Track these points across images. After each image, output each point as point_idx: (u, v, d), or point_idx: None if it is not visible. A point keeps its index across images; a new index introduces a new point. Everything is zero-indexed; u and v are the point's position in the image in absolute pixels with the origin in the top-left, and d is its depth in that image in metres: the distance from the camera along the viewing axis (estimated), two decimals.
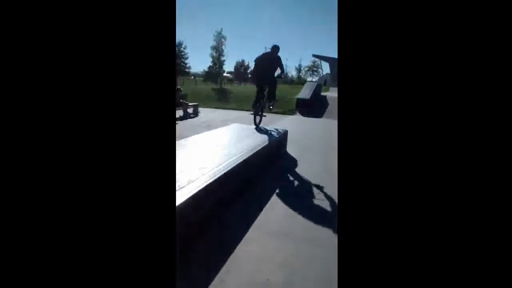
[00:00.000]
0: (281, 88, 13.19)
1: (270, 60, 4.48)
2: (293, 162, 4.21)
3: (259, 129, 4.66)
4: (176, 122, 7.13)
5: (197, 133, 4.22)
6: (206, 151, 2.97)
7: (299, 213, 2.46)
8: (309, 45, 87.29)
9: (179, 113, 8.31)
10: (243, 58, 53.60)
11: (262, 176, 3.41)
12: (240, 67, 40.44)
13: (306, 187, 3.22)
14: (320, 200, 2.84)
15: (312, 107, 11.37)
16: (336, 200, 2.78)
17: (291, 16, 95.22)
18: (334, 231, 2.13)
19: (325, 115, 10.69)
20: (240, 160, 2.69)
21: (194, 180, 2.01)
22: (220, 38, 22.60)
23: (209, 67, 27.35)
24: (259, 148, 3.32)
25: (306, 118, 9.84)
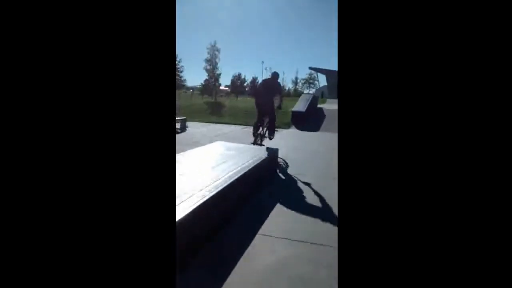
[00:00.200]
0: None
1: (270, 85, 4.79)
2: (282, 191, 3.58)
3: (245, 148, 4.07)
4: None
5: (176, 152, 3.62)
6: None
7: None
8: (306, 57, 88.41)
9: None
10: (240, 72, 54.00)
11: (235, 216, 2.76)
12: (237, 80, 40.37)
13: (292, 248, 2.04)
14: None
15: (308, 120, 10.84)
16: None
17: (288, 28, 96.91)
18: None
19: (321, 128, 10.14)
20: (210, 195, 2.08)
21: None
22: (214, 51, 22.38)
23: (205, 81, 27.08)
24: (238, 175, 2.72)
25: (301, 132, 9.28)
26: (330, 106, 14.93)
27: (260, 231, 2.31)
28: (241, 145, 4.34)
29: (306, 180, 3.89)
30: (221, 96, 29.90)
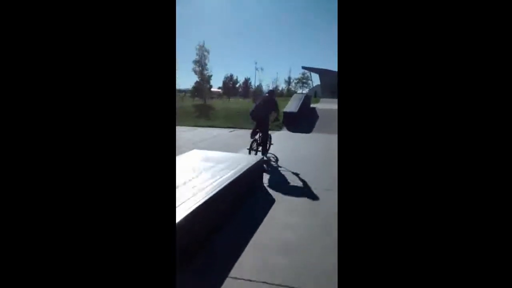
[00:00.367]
0: None
1: (266, 101, 5.18)
2: (266, 207, 3.04)
3: (225, 158, 3.53)
4: None
5: None
6: None
7: None
8: (298, 57, 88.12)
9: None
10: (232, 73, 53.31)
11: (197, 257, 2.22)
12: (229, 81, 39.76)
13: None
14: None
15: (301, 121, 10.33)
16: None
17: (280, 28, 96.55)
18: None
19: (314, 129, 9.64)
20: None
21: None
22: (203, 52, 21.72)
23: (196, 83, 26.44)
24: (212, 194, 2.19)
25: (293, 134, 8.76)
26: (324, 105, 14.46)
27: (231, 274, 1.78)
28: (221, 154, 3.80)
29: (295, 192, 3.38)
30: (214, 98, 29.33)
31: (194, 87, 27.76)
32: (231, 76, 40.12)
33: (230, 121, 10.86)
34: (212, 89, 33.96)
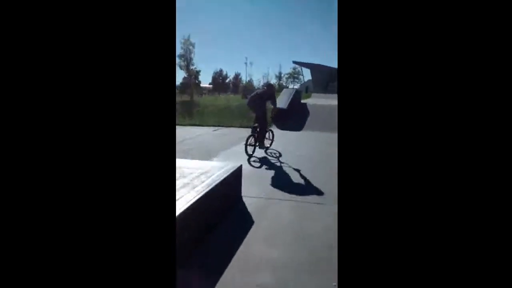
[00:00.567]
0: None
1: (264, 94, 5.02)
2: (240, 236, 2.40)
3: (198, 165, 2.87)
4: None
5: None
6: None
7: None
8: (289, 52, 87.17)
9: None
10: (221, 68, 52.20)
11: None
12: (219, 77, 38.76)
13: None
14: None
15: (290, 118, 9.69)
16: None
17: (270, 21, 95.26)
18: None
19: (305, 127, 9.04)
20: None
21: None
22: (187, 46, 20.71)
23: (184, 78, 25.46)
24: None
25: (282, 131, 8.10)
26: (315, 100, 13.87)
27: None
28: (192, 163, 3.14)
29: (279, 210, 2.74)
30: (204, 93, 28.47)
31: (181, 83, 26.76)
32: (221, 71, 39.13)
33: (215, 119, 10.16)
34: (203, 85, 33.00)
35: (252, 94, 5.11)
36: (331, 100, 11.93)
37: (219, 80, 37.88)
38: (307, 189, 3.42)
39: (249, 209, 2.79)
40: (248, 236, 2.25)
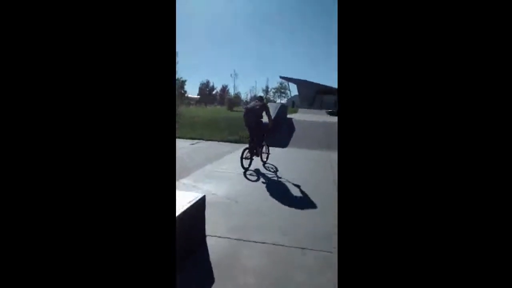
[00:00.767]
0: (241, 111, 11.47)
1: (255, 108, 4.87)
2: None
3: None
4: None
5: None
6: None
7: None
8: (276, 67, 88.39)
9: None
10: (208, 79, 51.87)
11: None
12: (205, 88, 38.24)
13: None
14: None
15: (275, 133, 9.20)
16: None
17: (258, 36, 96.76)
18: None
19: (291, 143, 8.56)
20: None
21: None
22: None
23: None
24: None
25: None
26: (302, 116, 13.53)
27: None
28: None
29: (258, 250, 2.08)
30: (191, 104, 27.90)
31: None
32: (207, 82, 38.67)
33: (197, 131, 9.52)
34: (190, 96, 32.31)
35: (249, 106, 4.99)
36: (318, 116, 11.61)
37: (205, 91, 37.34)
38: (293, 226, 2.84)
39: (212, 257, 2.13)
40: None
